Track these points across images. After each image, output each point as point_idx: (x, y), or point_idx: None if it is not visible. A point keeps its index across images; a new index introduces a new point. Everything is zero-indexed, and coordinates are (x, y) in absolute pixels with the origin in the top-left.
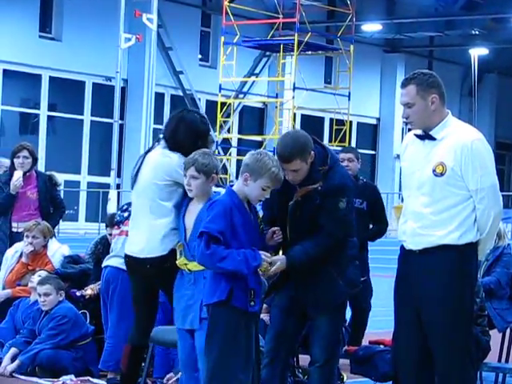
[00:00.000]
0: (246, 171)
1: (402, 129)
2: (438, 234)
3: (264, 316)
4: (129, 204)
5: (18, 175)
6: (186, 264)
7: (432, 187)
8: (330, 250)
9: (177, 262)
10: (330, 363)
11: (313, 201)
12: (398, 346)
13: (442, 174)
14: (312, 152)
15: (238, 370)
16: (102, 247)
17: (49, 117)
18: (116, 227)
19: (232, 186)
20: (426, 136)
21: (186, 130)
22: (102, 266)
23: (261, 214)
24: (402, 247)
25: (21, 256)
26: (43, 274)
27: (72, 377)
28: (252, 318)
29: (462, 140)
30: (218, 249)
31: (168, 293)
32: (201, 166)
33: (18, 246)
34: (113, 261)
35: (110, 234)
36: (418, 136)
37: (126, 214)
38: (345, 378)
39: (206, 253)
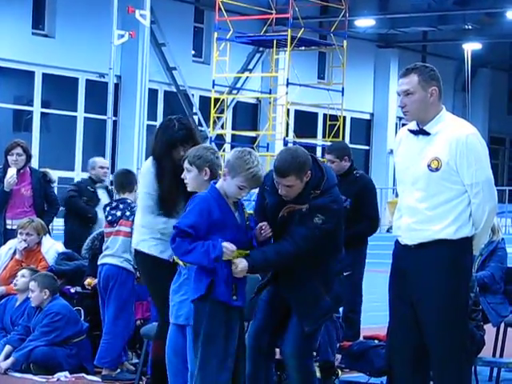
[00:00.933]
0: (225, 167)
1: (396, 124)
2: (433, 229)
3: None
4: (118, 201)
5: (11, 172)
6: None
7: (427, 182)
8: (290, 258)
9: (174, 257)
10: (306, 355)
11: (294, 217)
12: (394, 341)
13: (437, 169)
14: (309, 172)
15: (217, 368)
16: (99, 243)
17: (42, 114)
18: (107, 225)
19: (215, 182)
20: (419, 131)
21: (160, 138)
22: (98, 263)
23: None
24: (397, 242)
25: (14, 253)
26: (26, 273)
27: (66, 373)
28: (236, 312)
29: (456, 135)
30: (182, 243)
31: (148, 288)
32: (192, 159)
33: (12, 243)
34: (110, 259)
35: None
36: (411, 131)
37: (119, 213)
38: (339, 374)
39: (172, 246)
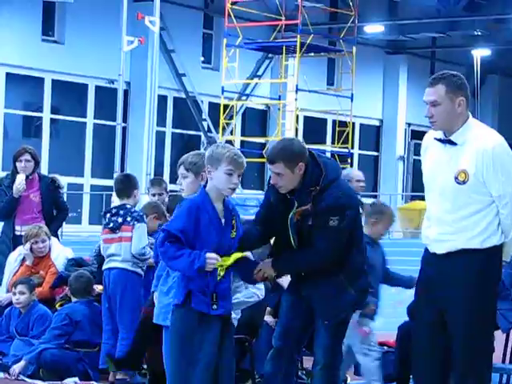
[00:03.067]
0: (207, 164)
1: (405, 130)
2: (461, 239)
3: (268, 318)
4: (118, 207)
5: (20, 178)
6: None
7: (454, 194)
8: (315, 267)
9: None
10: (332, 366)
11: (306, 221)
12: (419, 346)
13: (464, 182)
14: (301, 164)
15: (185, 374)
16: None
17: (52, 120)
18: (107, 231)
19: (205, 186)
20: (446, 141)
21: None
22: (104, 268)
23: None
24: (426, 249)
25: (24, 259)
26: (24, 288)
27: (76, 379)
28: (216, 320)
29: (482, 146)
30: (170, 248)
31: None
32: (189, 165)
33: (22, 250)
34: (119, 264)
35: (154, 195)
36: (438, 140)
37: (120, 220)
38: (348, 380)
39: (160, 250)
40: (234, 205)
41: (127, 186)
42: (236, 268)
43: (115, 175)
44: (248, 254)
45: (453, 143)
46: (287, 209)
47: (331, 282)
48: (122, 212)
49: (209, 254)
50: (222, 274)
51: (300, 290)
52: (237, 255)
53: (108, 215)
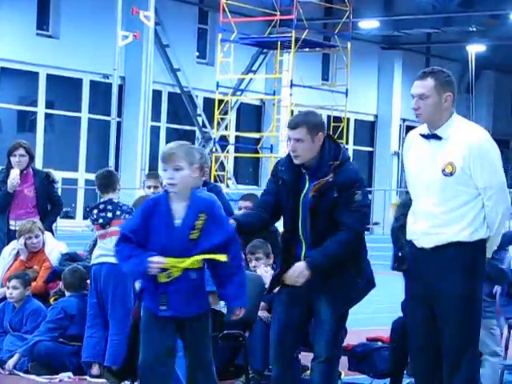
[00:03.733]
0: (186, 161)
1: (400, 126)
2: (449, 232)
3: (262, 313)
4: (105, 203)
5: (14, 173)
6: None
7: (442, 187)
8: (350, 246)
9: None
10: (334, 359)
11: (329, 194)
12: (415, 342)
13: (451, 174)
14: (321, 134)
15: (140, 362)
16: None
17: (46, 114)
18: (98, 227)
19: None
20: (431, 135)
21: None
22: (93, 262)
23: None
24: (412, 245)
25: (18, 254)
26: (17, 283)
27: (70, 374)
28: (166, 321)
29: (469, 139)
30: (124, 248)
31: None
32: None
33: (16, 244)
34: (110, 258)
35: (149, 187)
36: (423, 135)
37: (110, 214)
38: (342, 375)
39: (115, 250)
40: (212, 204)
41: (112, 180)
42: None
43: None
44: (223, 258)
45: (437, 137)
46: (298, 189)
47: (339, 273)
48: (110, 207)
49: (152, 258)
50: (175, 275)
51: (293, 287)
52: (197, 258)
53: (95, 211)
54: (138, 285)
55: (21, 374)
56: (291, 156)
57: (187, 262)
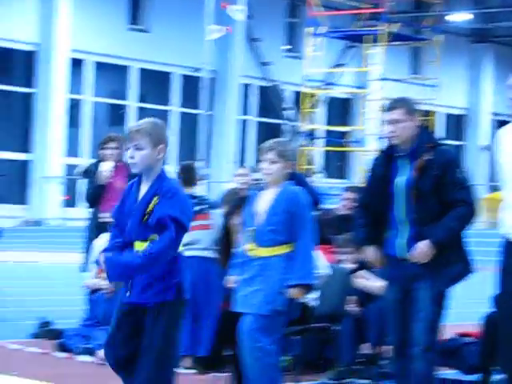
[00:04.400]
0: (154, 141)
1: (490, 120)
2: None
3: (351, 307)
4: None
5: (106, 166)
6: (254, 249)
7: None
8: (469, 220)
9: (244, 247)
10: (434, 345)
11: (430, 172)
12: (507, 336)
13: None
14: (416, 117)
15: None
16: None
17: (137, 108)
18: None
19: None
20: None
21: None
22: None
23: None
24: (507, 240)
25: None
26: None
27: None
28: (132, 308)
29: None
30: (110, 235)
31: None
32: (280, 152)
33: (107, 236)
34: (199, 252)
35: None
36: None
37: (194, 209)
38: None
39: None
40: (167, 187)
41: (192, 175)
42: None
43: (200, 163)
44: (153, 237)
45: None
46: (393, 177)
47: (438, 255)
48: (193, 201)
49: (101, 255)
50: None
51: (401, 282)
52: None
53: None
54: None
55: None
56: (388, 140)
57: (143, 246)
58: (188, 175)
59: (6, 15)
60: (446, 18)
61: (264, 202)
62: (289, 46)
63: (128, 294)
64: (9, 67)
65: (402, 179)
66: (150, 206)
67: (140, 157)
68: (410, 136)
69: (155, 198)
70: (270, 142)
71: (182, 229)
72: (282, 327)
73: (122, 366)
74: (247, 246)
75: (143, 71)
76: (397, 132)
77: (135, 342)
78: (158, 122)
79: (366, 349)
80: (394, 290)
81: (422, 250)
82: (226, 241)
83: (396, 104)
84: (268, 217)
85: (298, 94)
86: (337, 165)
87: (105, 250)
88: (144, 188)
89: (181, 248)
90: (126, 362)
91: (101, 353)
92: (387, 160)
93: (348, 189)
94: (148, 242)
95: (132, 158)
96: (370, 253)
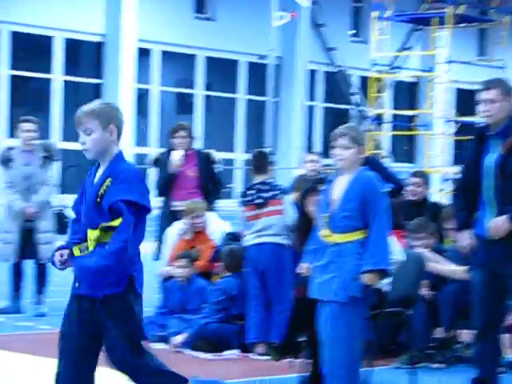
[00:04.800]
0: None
1: None
2: None
3: (424, 291)
4: (260, 184)
5: (177, 154)
6: (329, 236)
7: None
8: None
9: (319, 233)
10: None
11: None
12: None
13: None
14: (510, 98)
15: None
16: None
17: (204, 96)
18: (252, 207)
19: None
20: None
21: None
22: (251, 243)
23: None
24: None
25: (182, 234)
26: (183, 262)
27: (236, 351)
28: (83, 300)
29: None
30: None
31: None
32: (354, 138)
33: (180, 225)
34: (270, 238)
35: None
36: None
37: (266, 195)
38: (506, 354)
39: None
40: (120, 168)
41: (264, 162)
42: None
43: (267, 150)
44: (116, 223)
45: None
46: (484, 155)
47: None
48: (265, 187)
49: (57, 253)
50: (90, 248)
51: (491, 265)
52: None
53: (252, 192)
54: None
55: (188, 350)
56: (482, 116)
57: (95, 234)
58: (260, 162)
59: (73, 7)
60: None
61: (338, 189)
62: (354, 31)
63: (77, 285)
64: (77, 59)
65: (491, 158)
66: (103, 188)
67: (91, 141)
68: (503, 115)
69: (107, 180)
70: (342, 127)
71: (142, 211)
72: (361, 313)
73: (76, 357)
74: (322, 232)
75: (209, 59)
76: (491, 111)
77: (87, 333)
78: (107, 103)
79: (439, 333)
80: (480, 273)
81: (497, 224)
82: (304, 226)
83: (491, 84)
84: (342, 203)
85: (364, 78)
86: (404, 149)
87: (60, 248)
88: (99, 172)
89: (252, 235)
90: (80, 353)
91: (175, 340)
92: (480, 140)
93: (414, 174)
94: (103, 233)
95: (84, 143)
96: (464, 237)
